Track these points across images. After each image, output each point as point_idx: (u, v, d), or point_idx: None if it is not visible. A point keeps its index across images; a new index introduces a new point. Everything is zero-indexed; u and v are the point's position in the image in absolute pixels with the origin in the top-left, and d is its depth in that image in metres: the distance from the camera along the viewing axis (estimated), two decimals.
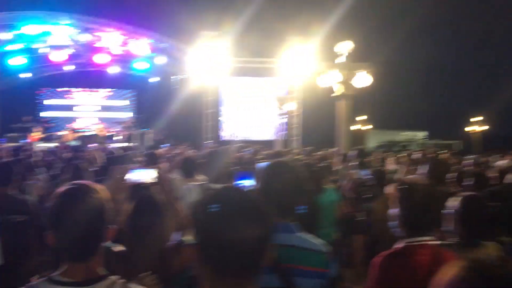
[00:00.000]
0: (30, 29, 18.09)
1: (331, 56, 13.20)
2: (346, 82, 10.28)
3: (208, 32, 19.25)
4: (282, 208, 1.97)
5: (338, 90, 10.29)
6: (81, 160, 6.35)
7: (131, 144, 18.69)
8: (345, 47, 10.13)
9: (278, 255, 1.85)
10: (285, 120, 18.94)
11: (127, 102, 27.64)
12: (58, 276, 1.62)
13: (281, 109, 15.46)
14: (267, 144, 18.48)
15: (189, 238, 2.48)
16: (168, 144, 17.52)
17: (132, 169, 2.52)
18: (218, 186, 3.69)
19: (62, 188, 1.71)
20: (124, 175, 2.45)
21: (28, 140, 18.65)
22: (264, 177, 2.08)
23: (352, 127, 16.04)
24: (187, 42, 19.52)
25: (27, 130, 21.13)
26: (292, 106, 17.45)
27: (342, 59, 10.16)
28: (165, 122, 21.65)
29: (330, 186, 5.02)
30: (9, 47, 21.36)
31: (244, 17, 16.52)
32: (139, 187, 2.59)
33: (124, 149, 11.41)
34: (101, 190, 1.73)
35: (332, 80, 10.31)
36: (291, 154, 10.51)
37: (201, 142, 20.11)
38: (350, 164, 7.94)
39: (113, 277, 1.69)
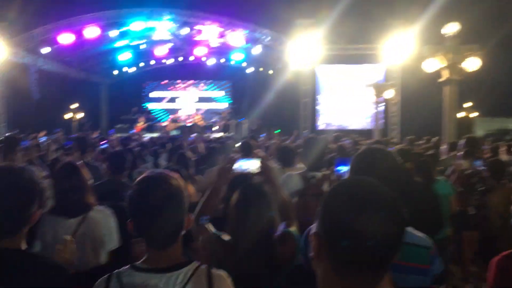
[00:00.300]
0: (136, 25, 19.24)
1: (435, 39, 12.41)
2: (453, 66, 9.56)
3: (303, 20, 19.08)
4: None
5: (444, 74, 9.60)
6: (183, 149, 6.59)
7: (228, 134, 19.23)
8: (452, 29, 9.40)
9: None
10: (383, 108, 18.24)
11: (224, 93, 28.43)
12: (141, 264, 1.65)
13: (379, 97, 14.86)
14: (364, 133, 17.95)
15: (294, 228, 2.44)
16: (264, 134, 17.72)
17: (237, 158, 2.51)
18: (319, 174, 3.61)
19: (140, 177, 1.73)
20: (230, 165, 2.45)
21: (135, 131, 19.94)
22: (355, 165, 1.94)
23: (458, 115, 14.94)
24: (282, 31, 19.53)
25: (134, 121, 22.66)
26: (391, 93, 16.72)
27: (448, 42, 9.46)
28: (261, 112, 21.94)
29: (441, 178, 4.67)
30: (117, 44, 23.03)
31: (341, 3, 16.07)
32: (243, 177, 2.59)
33: (222, 139, 11.72)
34: (178, 178, 1.72)
35: (438, 65, 9.64)
36: (391, 143, 10.08)
37: (298, 131, 20.09)
38: (458, 154, 7.41)
39: (196, 263, 1.69)
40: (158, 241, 1.65)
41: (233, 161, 2.46)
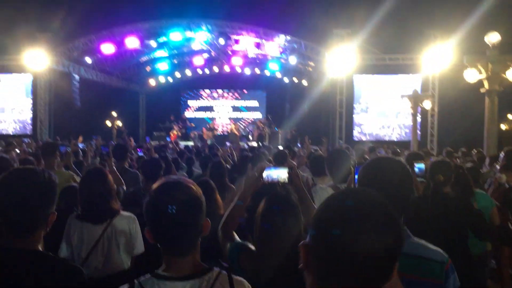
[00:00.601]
0: (174, 36, 19.65)
1: (475, 49, 12.10)
2: (494, 77, 9.27)
3: (340, 30, 19.01)
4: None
5: (485, 85, 9.32)
6: (218, 157, 6.64)
7: (263, 144, 19.26)
8: (493, 38, 9.13)
9: None
10: (420, 119, 17.86)
11: (259, 103, 28.55)
12: (163, 272, 1.63)
13: (416, 108, 14.57)
14: (401, 144, 17.62)
15: None
16: (299, 144, 17.67)
17: (267, 167, 2.51)
18: (349, 187, 3.57)
19: (156, 184, 1.70)
20: (260, 173, 2.45)
21: (170, 139, 20.27)
22: (361, 175, 1.87)
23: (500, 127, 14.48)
24: (318, 41, 19.50)
25: (170, 129, 23.07)
26: (428, 104, 16.36)
27: (489, 52, 9.19)
28: (296, 121, 21.91)
29: (480, 191, 4.52)
30: (156, 54, 23.59)
31: (378, 12, 15.91)
32: (272, 185, 2.58)
33: (256, 148, 11.76)
34: (195, 185, 1.70)
35: (478, 75, 9.37)
36: (430, 155, 9.85)
37: (333, 141, 19.93)
38: (498, 167, 7.17)
39: (217, 269, 1.67)
40: (177, 248, 1.63)
41: (262, 170, 2.45)
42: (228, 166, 6.15)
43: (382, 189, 1.73)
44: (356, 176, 1.97)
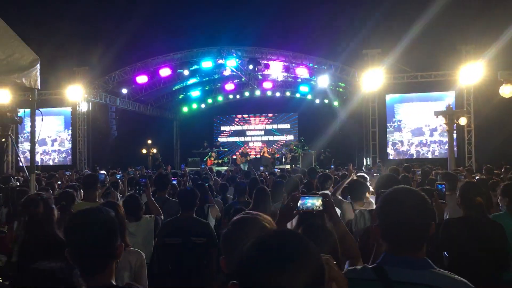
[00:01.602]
0: (206, 63, 20.13)
1: (509, 64, 11.88)
2: None
3: (370, 50, 19.02)
4: (409, 239, 1.78)
5: None
6: (256, 183, 6.66)
7: (296, 166, 19.21)
8: None
9: None
10: (455, 136, 17.48)
11: (290, 125, 28.62)
12: None
13: (451, 124, 14.29)
14: (438, 161, 17.27)
15: (359, 266, 2.43)
16: (332, 166, 17.56)
17: (302, 196, 2.55)
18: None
19: (236, 217, 1.80)
20: (295, 202, 2.49)
21: (206, 165, 20.48)
22: (384, 205, 1.88)
23: None
24: (349, 62, 19.55)
25: (205, 155, 23.35)
26: (463, 120, 16.04)
27: None
28: (328, 142, 21.82)
29: None
30: (189, 82, 24.17)
31: (408, 31, 15.88)
32: (307, 214, 2.62)
33: (287, 173, 11.74)
34: (270, 221, 1.77)
35: None
36: (466, 172, 9.62)
37: (366, 162, 19.72)
38: None
39: None
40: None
41: (297, 199, 2.49)
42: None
43: (399, 221, 1.78)
44: None
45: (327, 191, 5.45)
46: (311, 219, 2.61)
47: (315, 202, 2.53)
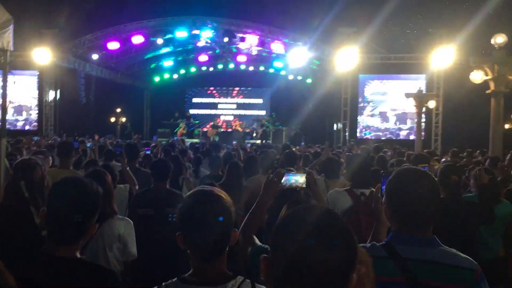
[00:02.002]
0: (180, 33, 19.71)
1: (480, 50, 12.13)
2: (499, 78, 9.31)
3: (345, 29, 19.03)
4: (420, 219, 1.83)
5: (491, 86, 9.36)
6: (234, 158, 6.63)
7: (266, 142, 19.30)
8: (499, 40, 9.15)
9: (418, 271, 1.75)
10: (425, 119, 17.87)
11: (263, 100, 28.59)
12: (189, 277, 1.70)
13: (420, 107, 14.57)
14: (405, 143, 17.66)
15: (368, 244, 2.46)
16: (303, 143, 17.72)
17: (287, 173, 2.56)
18: (367, 191, 3.60)
19: (192, 191, 1.79)
20: (279, 178, 2.50)
21: (177, 136, 20.32)
22: (396, 186, 1.91)
23: (505, 127, 14.46)
24: (323, 40, 19.50)
25: (175, 126, 23.14)
26: (433, 104, 16.38)
27: (495, 53, 9.21)
28: (300, 120, 21.94)
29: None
30: (161, 51, 23.65)
31: (383, 12, 15.92)
32: (290, 191, 2.63)
33: (262, 147, 11.77)
34: (226, 195, 1.76)
35: (485, 76, 9.41)
36: (435, 155, 9.88)
37: (337, 141, 19.99)
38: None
39: (240, 277, 1.73)
40: (205, 254, 1.69)
41: (281, 175, 2.50)
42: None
43: (411, 202, 1.82)
44: (383, 186, 2.02)
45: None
46: (295, 195, 2.64)
47: (298, 179, 2.55)
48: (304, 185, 2.54)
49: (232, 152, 8.13)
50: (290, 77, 25.87)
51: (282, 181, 2.50)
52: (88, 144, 9.17)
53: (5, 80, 4.57)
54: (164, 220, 4.08)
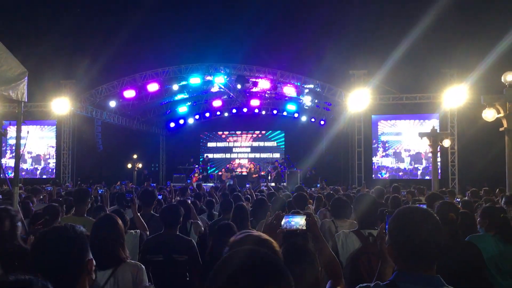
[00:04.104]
0: (194, 80, 20.18)
1: (492, 88, 12.12)
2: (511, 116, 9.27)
3: (356, 71, 19.28)
4: (423, 258, 1.83)
5: (505, 123, 9.30)
6: (239, 200, 6.63)
7: (281, 184, 19.21)
8: (509, 78, 9.16)
9: None
10: (439, 158, 17.68)
11: (276, 143, 28.69)
12: None
13: (435, 147, 14.47)
14: (422, 183, 17.42)
15: (372, 284, 2.43)
16: (318, 185, 17.61)
17: (286, 215, 2.55)
18: (374, 231, 3.55)
19: (235, 237, 1.81)
20: (277, 221, 2.49)
21: (192, 181, 20.38)
22: (398, 225, 1.91)
23: None
24: (335, 82, 19.76)
25: (190, 171, 23.24)
26: (447, 142, 16.25)
27: (506, 91, 9.21)
28: (314, 161, 21.90)
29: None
30: (176, 97, 24.17)
31: (394, 54, 16.14)
32: (290, 234, 2.61)
33: (275, 189, 11.73)
34: (274, 242, 1.78)
35: (497, 114, 9.37)
36: (454, 194, 9.70)
37: (352, 181, 19.81)
38: None
39: None
40: None
41: (280, 217, 2.49)
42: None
43: (414, 241, 1.82)
44: (387, 226, 2.03)
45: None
46: (294, 238, 2.62)
47: (299, 221, 2.53)
48: (304, 227, 2.52)
49: (246, 196, 8.12)
50: (303, 119, 26.05)
51: (282, 223, 2.48)
52: (100, 191, 9.24)
53: (18, 131, 4.71)
54: (173, 266, 4.07)
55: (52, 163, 21.75)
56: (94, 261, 2.00)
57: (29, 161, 21.53)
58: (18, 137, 4.68)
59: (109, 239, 3.06)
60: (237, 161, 28.33)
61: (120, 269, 3.04)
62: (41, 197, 8.53)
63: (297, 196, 6.00)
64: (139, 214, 5.01)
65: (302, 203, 5.75)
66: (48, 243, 1.91)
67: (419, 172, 20.49)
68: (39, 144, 21.55)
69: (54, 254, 1.88)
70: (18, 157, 4.57)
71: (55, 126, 21.40)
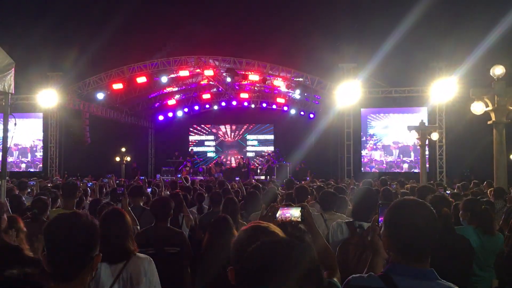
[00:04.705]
0: (183, 72, 20.06)
1: (480, 81, 12.21)
2: (500, 109, 9.32)
3: (346, 65, 19.31)
4: (418, 251, 1.83)
5: (493, 117, 9.36)
6: (228, 193, 6.62)
7: (271, 177, 19.23)
8: (498, 71, 9.21)
9: None
10: (428, 151, 17.84)
11: (266, 136, 28.67)
12: None
13: (423, 140, 14.59)
14: (410, 176, 17.57)
15: (336, 278, 2.43)
16: (307, 178, 17.64)
17: (281, 207, 2.54)
18: (366, 224, 3.56)
19: (246, 227, 1.79)
20: (273, 213, 2.48)
21: (181, 174, 20.31)
22: (395, 217, 1.90)
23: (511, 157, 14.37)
24: (324, 76, 19.78)
25: (179, 164, 23.15)
26: (435, 136, 16.40)
27: (494, 84, 9.26)
28: (304, 154, 21.95)
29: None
30: (164, 90, 24.02)
31: (383, 47, 16.20)
32: (285, 225, 2.60)
33: (266, 182, 11.75)
34: (279, 231, 1.77)
35: (485, 107, 9.42)
36: (436, 187, 9.79)
37: (341, 174, 19.91)
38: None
39: None
40: None
41: (275, 209, 2.47)
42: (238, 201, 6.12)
43: (410, 233, 1.82)
44: (381, 218, 2.01)
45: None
46: (290, 229, 2.60)
47: (293, 213, 2.52)
48: (299, 219, 2.50)
49: (235, 189, 8.10)
50: (292, 112, 26.05)
51: (277, 215, 2.47)
52: (89, 184, 9.16)
53: (6, 123, 4.62)
54: (165, 259, 4.05)
55: (38, 156, 21.51)
56: (100, 257, 1.95)
57: (15, 153, 21.26)
58: (5, 130, 4.60)
59: (119, 233, 3.06)
60: (226, 154, 28.27)
61: (131, 262, 3.05)
62: (29, 190, 8.44)
63: (299, 188, 5.92)
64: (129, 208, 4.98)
65: (303, 195, 5.66)
66: (61, 227, 1.85)
67: (406, 165, 20.65)
68: (24, 137, 21.28)
69: (72, 238, 1.82)
70: (6, 150, 4.49)
71: (41, 119, 21.13)
